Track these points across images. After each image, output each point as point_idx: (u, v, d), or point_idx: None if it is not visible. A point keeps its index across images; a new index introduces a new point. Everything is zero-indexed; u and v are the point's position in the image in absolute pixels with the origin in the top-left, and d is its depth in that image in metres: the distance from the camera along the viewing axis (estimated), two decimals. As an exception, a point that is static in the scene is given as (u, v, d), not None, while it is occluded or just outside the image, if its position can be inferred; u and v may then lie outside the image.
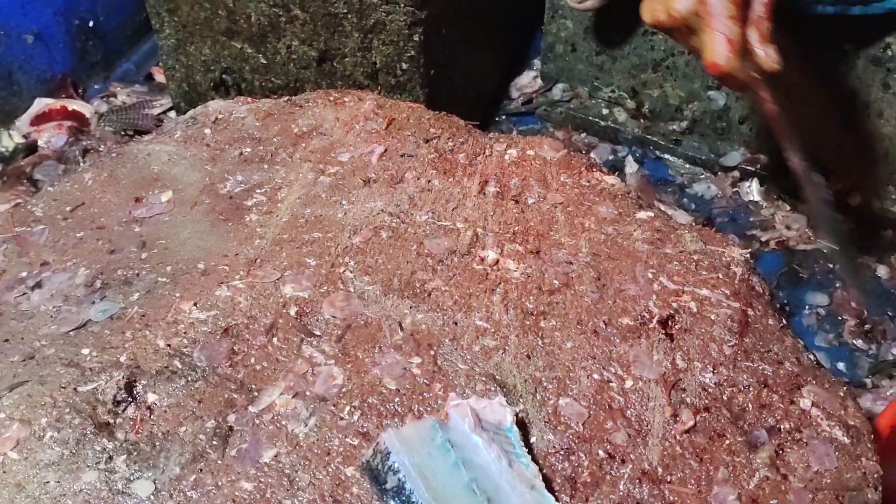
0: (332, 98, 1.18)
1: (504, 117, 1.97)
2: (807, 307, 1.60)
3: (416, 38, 1.53)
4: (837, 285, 1.63)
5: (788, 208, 1.76)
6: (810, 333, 1.56)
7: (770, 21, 1.02)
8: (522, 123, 1.96)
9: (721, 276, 0.96)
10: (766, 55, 1.02)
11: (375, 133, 1.13)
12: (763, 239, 1.72)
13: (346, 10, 1.53)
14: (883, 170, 1.71)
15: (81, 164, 1.71)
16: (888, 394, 1.46)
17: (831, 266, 1.66)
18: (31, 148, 1.79)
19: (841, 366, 1.52)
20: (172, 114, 1.87)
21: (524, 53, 2.11)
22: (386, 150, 1.10)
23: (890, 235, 1.71)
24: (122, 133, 1.83)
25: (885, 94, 1.62)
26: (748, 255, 1.00)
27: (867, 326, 1.57)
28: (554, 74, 1.99)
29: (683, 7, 1.00)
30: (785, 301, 1.61)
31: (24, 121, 1.83)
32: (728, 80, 1.02)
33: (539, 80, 2.02)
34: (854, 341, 1.55)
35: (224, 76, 1.72)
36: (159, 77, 1.99)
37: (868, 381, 1.50)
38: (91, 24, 1.92)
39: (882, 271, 1.65)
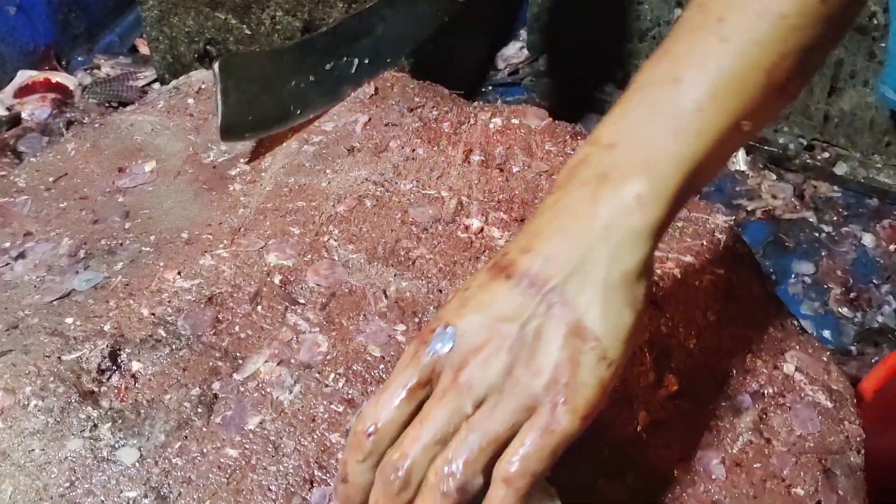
0: (316, 67, 1.18)
1: (490, 88, 1.97)
2: (793, 276, 1.61)
3: (400, 7, 1.52)
4: (823, 254, 1.63)
5: (774, 178, 1.77)
6: (796, 302, 1.57)
7: None
8: (509, 94, 1.97)
9: (705, 243, 0.97)
10: None
11: (359, 102, 1.12)
12: (749, 208, 1.73)
13: (330, -20, 1.52)
14: (869, 138, 1.72)
15: (65, 136, 1.71)
16: (873, 361, 1.47)
17: (817, 235, 1.67)
18: (14, 120, 1.78)
19: (826, 334, 1.53)
20: (157, 85, 1.87)
21: (510, 24, 2.11)
22: (370, 120, 1.09)
23: (875, 204, 1.71)
24: (107, 105, 1.83)
25: (870, 63, 1.62)
26: (732, 222, 1.00)
27: (852, 294, 1.58)
28: (540, 45, 1.99)
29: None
30: (771, 270, 1.61)
31: (7, 93, 1.83)
32: None
33: (525, 52, 2.02)
34: (839, 309, 1.57)
35: (208, 47, 1.71)
36: (143, 49, 1.98)
37: (853, 348, 1.51)
38: (74, -5, 1.91)
39: (868, 240, 1.67)
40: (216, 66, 1.02)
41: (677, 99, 0.65)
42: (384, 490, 0.65)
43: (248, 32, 1.66)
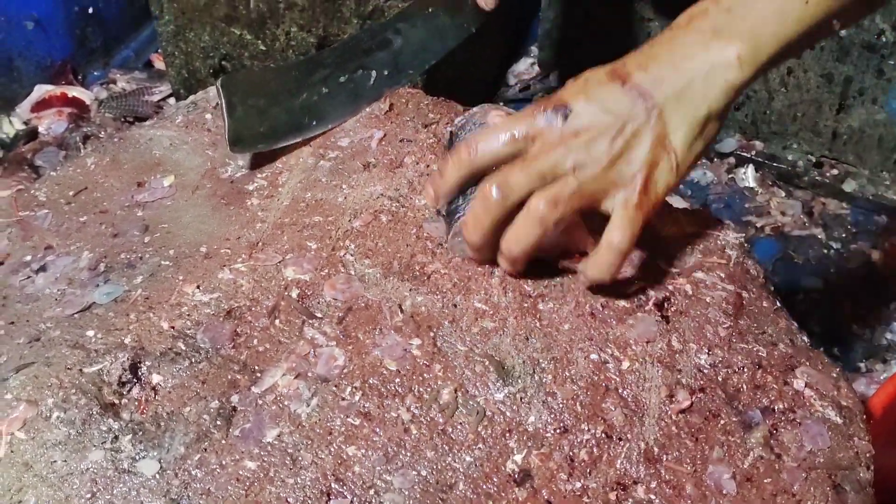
0: (332, 84, 1.19)
1: (501, 104, 1.98)
2: (801, 292, 1.62)
3: (414, 24, 1.54)
4: (832, 271, 1.64)
5: (783, 195, 1.78)
6: (805, 318, 1.57)
7: None
8: (519, 109, 1.97)
9: (716, 260, 0.98)
10: None
11: (375, 118, 1.14)
12: (758, 225, 1.73)
13: (344, -3, 1.54)
14: (878, 155, 1.73)
15: (82, 151, 1.72)
16: (882, 378, 1.48)
17: (826, 252, 1.67)
18: (31, 134, 1.80)
19: (836, 350, 1.53)
20: (172, 100, 1.88)
21: (521, 40, 2.12)
22: (385, 135, 1.11)
23: (884, 221, 1.72)
24: (122, 120, 1.84)
25: (879, 81, 1.63)
26: (742, 239, 1.01)
27: (861, 311, 1.58)
28: (551, 61, 2.00)
29: None
30: (780, 286, 1.62)
31: (24, 107, 1.84)
32: None
33: (536, 68, 2.03)
34: (848, 326, 1.57)
35: (223, 63, 1.73)
36: (159, 64, 2.00)
37: (862, 365, 1.51)
38: (90, 10, 1.93)
39: (876, 256, 1.67)
40: (218, 83, 1.06)
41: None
42: (482, 202, 0.87)
43: (263, 48, 1.68)
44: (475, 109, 1.00)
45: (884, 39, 1.58)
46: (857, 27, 1.59)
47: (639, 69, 0.85)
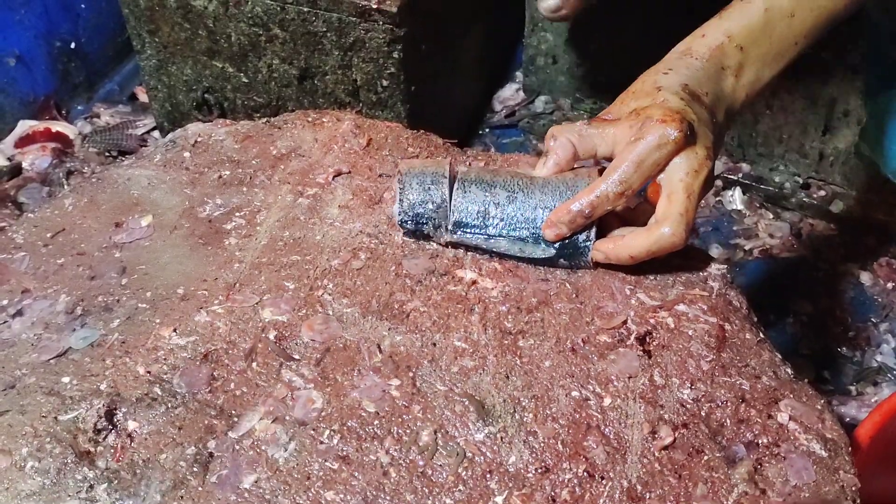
0: (310, 119, 1.19)
1: (487, 130, 1.98)
2: (791, 315, 1.61)
3: (395, 55, 1.54)
4: (821, 293, 1.64)
5: (771, 217, 1.78)
6: (795, 341, 1.57)
7: None
8: (506, 136, 1.98)
9: (698, 291, 0.97)
10: None
11: (354, 153, 1.13)
12: (747, 247, 1.73)
13: (325, 29, 1.54)
14: (864, 176, 1.72)
15: (66, 186, 1.72)
16: (872, 401, 1.47)
17: (815, 274, 1.67)
18: (15, 170, 1.79)
19: (826, 373, 1.53)
20: (156, 133, 1.88)
21: (506, 66, 2.12)
22: (363, 171, 1.10)
23: (872, 242, 1.72)
24: (106, 154, 1.84)
25: (862, 102, 1.63)
26: (725, 270, 1.01)
27: (851, 333, 1.58)
28: (536, 87, 2.00)
29: None
30: (769, 309, 1.61)
31: (7, 143, 1.84)
32: None
33: (521, 93, 2.03)
34: (838, 348, 1.56)
35: (206, 95, 1.73)
36: (143, 96, 1.99)
37: (853, 388, 1.51)
38: (73, 45, 1.93)
39: (865, 278, 1.67)
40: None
41: (787, 33, 0.99)
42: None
43: (246, 81, 1.67)
44: (429, 169, 1.01)
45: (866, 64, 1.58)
46: (840, 50, 1.59)
47: (704, 94, 0.98)
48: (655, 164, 0.93)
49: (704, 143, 0.94)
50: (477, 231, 0.98)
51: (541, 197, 0.97)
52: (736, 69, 0.99)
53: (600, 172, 0.96)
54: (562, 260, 0.98)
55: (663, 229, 0.92)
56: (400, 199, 0.99)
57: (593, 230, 0.96)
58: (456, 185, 0.98)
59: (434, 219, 0.98)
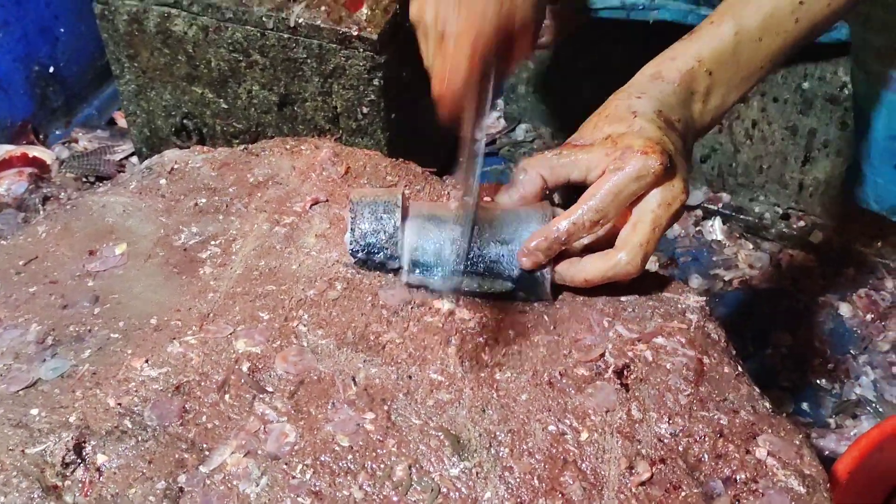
0: (288, 146, 1.18)
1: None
2: (770, 346, 1.61)
3: (375, 82, 1.54)
4: (800, 324, 1.63)
5: (751, 247, 1.77)
6: (774, 373, 1.56)
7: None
8: (487, 164, 1.97)
9: (676, 324, 0.96)
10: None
11: (331, 181, 1.12)
12: (727, 278, 1.73)
13: (305, 56, 1.53)
14: (844, 207, 1.73)
15: (41, 212, 1.70)
16: (852, 434, 1.47)
17: (794, 305, 1.66)
18: (-9, 196, 1.78)
19: (805, 405, 1.52)
20: (134, 159, 1.87)
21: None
22: (341, 200, 1.09)
23: (852, 273, 1.72)
24: (84, 179, 1.82)
25: (842, 133, 1.63)
26: (703, 302, 1.00)
27: (830, 365, 1.57)
28: (517, 115, 2.00)
29: (442, 26, 0.98)
30: (749, 340, 1.61)
31: (-17, 169, 1.82)
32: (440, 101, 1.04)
33: (502, 121, 2.03)
34: (818, 380, 1.56)
35: (185, 121, 1.72)
36: (122, 122, 1.98)
37: (832, 421, 1.50)
38: (51, 69, 1.91)
39: (845, 309, 1.66)
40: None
41: (754, 57, 0.99)
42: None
43: (225, 106, 1.67)
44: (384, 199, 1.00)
45: (846, 92, 1.59)
46: (820, 80, 1.60)
47: (676, 120, 0.97)
48: (633, 195, 0.92)
49: (682, 174, 0.94)
50: (435, 269, 0.97)
51: (493, 231, 0.97)
52: (704, 94, 0.99)
53: (554, 204, 0.96)
54: (520, 293, 0.97)
55: (620, 256, 0.92)
56: (351, 228, 0.98)
57: (549, 262, 0.96)
58: (409, 223, 0.98)
59: (385, 249, 0.97)
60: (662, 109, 0.96)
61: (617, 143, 0.93)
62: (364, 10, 1.50)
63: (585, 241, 0.96)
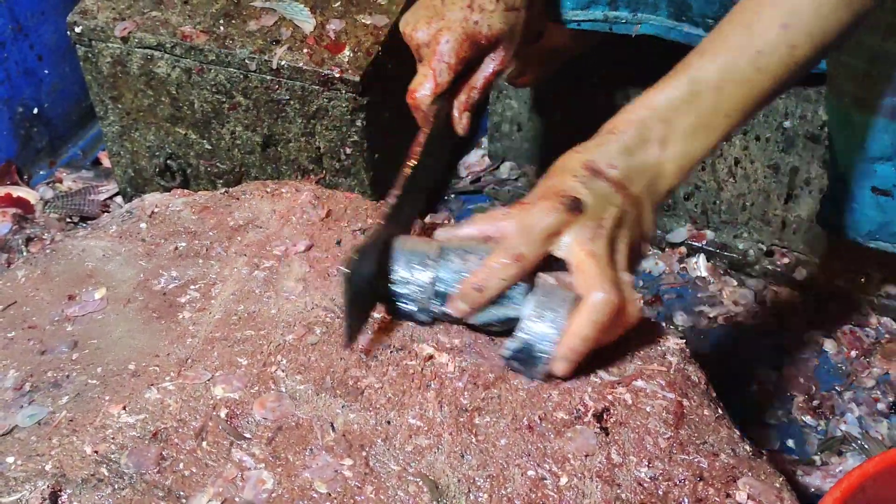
0: (269, 189, 1.18)
1: (452, 196, 1.97)
2: (755, 383, 1.60)
3: (358, 123, 1.54)
4: (785, 361, 1.63)
5: (735, 283, 1.77)
6: (759, 410, 1.56)
7: (480, 95, 1.22)
8: (471, 202, 1.97)
9: (657, 367, 0.96)
10: (459, 120, 1.23)
11: (311, 225, 1.12)
12: (711, 315, 1.72)
13: (288, 97, 1.53)
14: (826, 244, 1.73)
15: (24, 253, 1.70)
16: (837, 470, 1.46)
17: (779, 342, 1.66)
18: (-27, 238, 1.77)
19: (790, 442, 1.52)
20: (119, 199, 1.86)
21: (472, 133, 2.12)
22: (321, 243, 1.09)
23: (835, 309, 1.72)
24: (68, 220, 1.82)
25: (824, 171, 1.64)
26: (683, 344, 1.00)
27: (815, 402, 1.57)
28: (501, 153, 2.00)
29: (420, 36, 1.16)
30: (733, 377, 1.61)
31: (-34, 210, 1.82)
32: (414, 110, 1.19)
33: (487, 159, 2.03)
34: (803, 417, 1.55)
35: (169, 162, 1.72)
36: (106, 162, 1.97)
37: (817, 458, 1.49)
38: (35, 110, 1.91)
39: (829, 345, 1.66)
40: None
41: (714, 106, 0.98)
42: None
43: (209, 147, 1.67)
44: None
45: (826, 130, 1.59)
46: (801, 119, 1.60)
47: (610, 167, 0.97)
48: (543, 231, 0.93)
49: (599, 213, 0.95)
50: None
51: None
52: (660, 141, 0.98)
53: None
54: (515, 364, 0.96)
55: (593, 296, 0.91)
56: (390, 276, 0.97)
57: (551, 344, 0.93)
58: (431, 257, 0.97)
59: (418, 299, 0.97)
60: (595, 160, 0.97)
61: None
62: (346, 52, 1.50)
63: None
